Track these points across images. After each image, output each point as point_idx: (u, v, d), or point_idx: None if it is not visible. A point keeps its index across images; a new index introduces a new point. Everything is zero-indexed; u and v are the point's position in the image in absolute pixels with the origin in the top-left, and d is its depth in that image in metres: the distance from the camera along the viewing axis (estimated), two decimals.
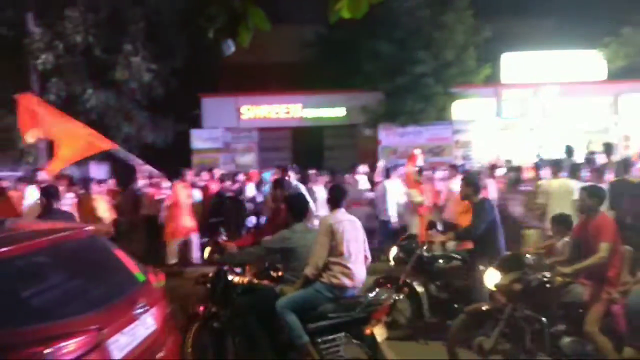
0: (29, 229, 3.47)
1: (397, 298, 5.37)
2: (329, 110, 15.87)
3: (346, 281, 4.07)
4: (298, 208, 4.50)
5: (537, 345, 4.21)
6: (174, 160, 14.27)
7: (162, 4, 14.77)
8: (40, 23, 13.77)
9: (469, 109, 15.26)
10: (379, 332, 3.92)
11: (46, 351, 2.55)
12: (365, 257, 4.42)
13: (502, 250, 5.11)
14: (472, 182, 5.34)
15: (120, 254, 3.80)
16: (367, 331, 3.87)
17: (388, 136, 15.13)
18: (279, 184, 6.00)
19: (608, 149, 8.68)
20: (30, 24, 13.85)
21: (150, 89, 15.06)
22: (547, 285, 4.20)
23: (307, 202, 4.77)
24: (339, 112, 15.83)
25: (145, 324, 3.30)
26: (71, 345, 2.65)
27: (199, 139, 15.66)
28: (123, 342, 3.02)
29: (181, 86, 15.77)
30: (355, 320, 3.93)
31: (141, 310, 3.27)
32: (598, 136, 13.52)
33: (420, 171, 8.74)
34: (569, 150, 8.88)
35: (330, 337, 3.97)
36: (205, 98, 16.02)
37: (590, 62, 15.69)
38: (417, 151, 9.36)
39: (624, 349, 4.06)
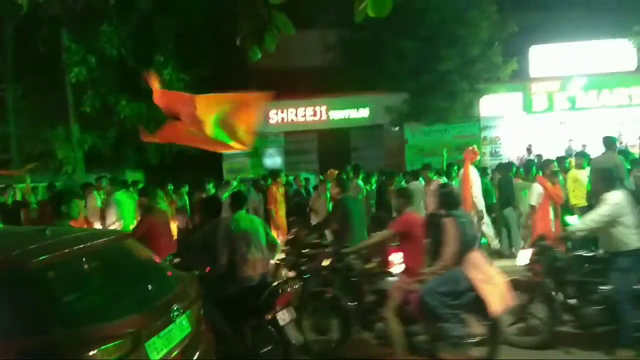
0: (70, 236, 3.60)
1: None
2: (354, 112, 16.00)
3: (249, 272, 4.59)
4: (208, 209, 5.15)
5: (357, 326, 4.89)
6: (206, 166, 14.63)
7: (190, 14, 15.14)
8: (73, 38, 14.29)
9: (496, 105, 15.11)
10: (282, 317, 4.34)
11: (87, 354, 2.66)
12: (272, 246, 5.00)
13: (356, 240, 5.71)
14: (341, 183, 6.24)
15: (156, 259, 4.01)
16: (269, 317, 4.32)
17: (414, 135, 15.12)
18: (144, 192, 6.28)
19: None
20: (64, 39, 14.40)
21: None
22: (352, 272, 4.98)
23: (219, 205, 5.33)
24: (364, 113, 15.94)
25: (181, 326, 3.42)
26: (111, 348, 2.76)
27: None
28: (160, 344, 3.13)
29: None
30: (260, 307, 4.38)
31: (176, 313, 3.38)
32: (631, 128, 13.21)
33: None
34: (609, 142, 7.89)
35: (249, 322, 4.48)
36: None
37: (620, 51, 15.29)
38: (475, 146, 8.68)
39: (419, 336, 4.48)
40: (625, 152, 8.59)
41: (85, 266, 3.43)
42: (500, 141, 14.92)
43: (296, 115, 16.25)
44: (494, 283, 4.34)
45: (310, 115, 16.12)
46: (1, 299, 2.80)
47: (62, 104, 15.08)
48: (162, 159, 16.44)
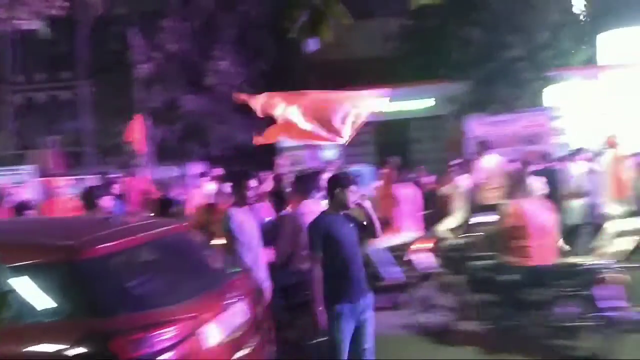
0: (134, 224, 3.75)
1: None
2: (413, 103, 15.61)
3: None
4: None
5: None
6: (263, 158, 14.83)
7: (251, 9, 15.37)
8: (141, 35, 14.90)
9: (567, 94, 14.28)
10: None
11: (146, 337, 2.77)
12: None
13: None
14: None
15: (214, 247, 4.11)
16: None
17: (478, 126, 14.58)
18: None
19: None
20: (133, 37, 15.05)
21: (240, 91, 15.73)
22: None
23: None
24: (424, 103, 15.53)
25: (239, 313, 3.47)
26: (169, 332, 2.85)
27: None
28: (217, 330, 3.19)
29: (269, 87, 16.31)
30: None
31: (234, 300, 3.44)
32: None
33: None
34: None
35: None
36: None
37: None
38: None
39: None
40: None
41: (147, 253, 3.56)
42: (571, 132, 14.08)
43: None
44: None
45: None
46: (69, 282, 2.94)
47: (132, 99, 15.80)
48: (223, 151, 16.88)
